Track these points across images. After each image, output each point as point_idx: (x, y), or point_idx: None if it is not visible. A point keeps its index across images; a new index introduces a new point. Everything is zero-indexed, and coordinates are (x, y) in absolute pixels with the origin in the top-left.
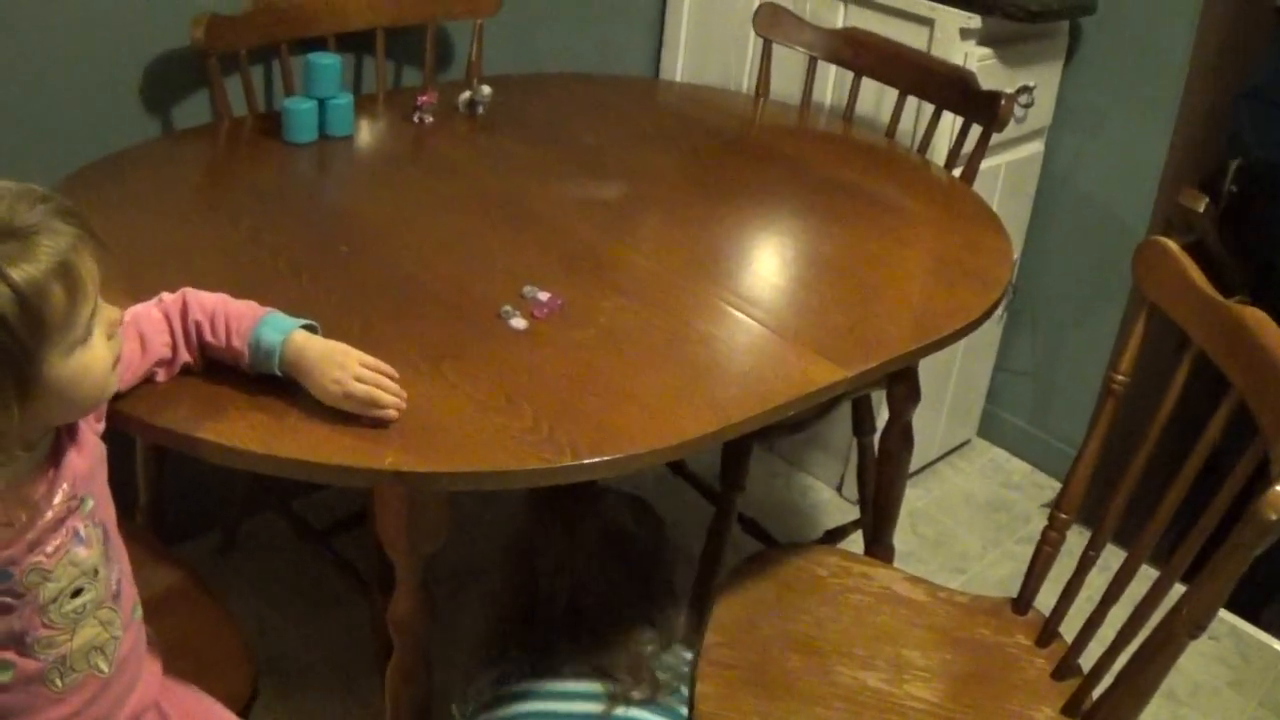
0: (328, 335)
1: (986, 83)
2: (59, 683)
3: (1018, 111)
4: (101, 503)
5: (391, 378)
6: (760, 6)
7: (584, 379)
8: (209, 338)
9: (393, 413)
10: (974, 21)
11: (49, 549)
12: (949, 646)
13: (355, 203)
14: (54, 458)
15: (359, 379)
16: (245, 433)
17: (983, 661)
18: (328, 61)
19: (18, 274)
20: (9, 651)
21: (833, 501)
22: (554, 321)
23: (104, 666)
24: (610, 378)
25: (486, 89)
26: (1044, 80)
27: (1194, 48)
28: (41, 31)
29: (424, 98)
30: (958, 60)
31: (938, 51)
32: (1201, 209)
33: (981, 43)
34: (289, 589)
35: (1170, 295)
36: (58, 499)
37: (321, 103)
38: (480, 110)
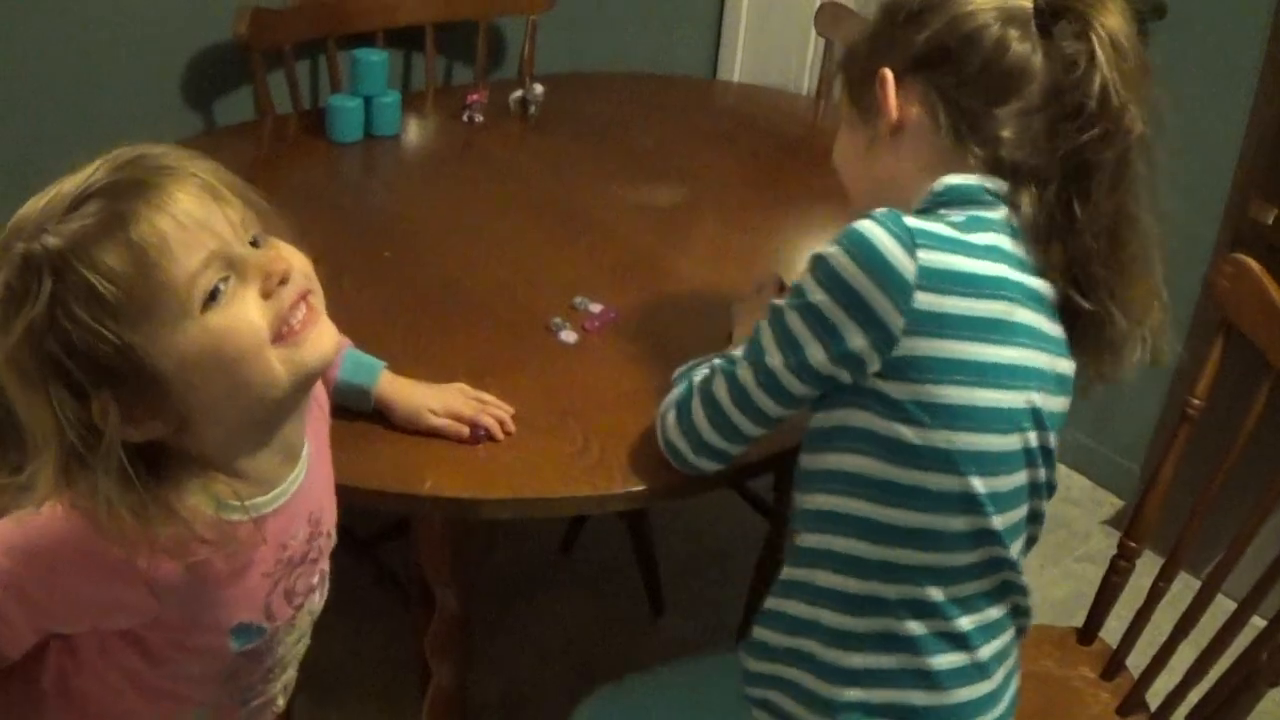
0: (367, 346)
1: None
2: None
3: None
4: (332, 514)
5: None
6: (822, 5)
7: (636, 397)
8: None
9: (498, 431)
10: None
11: (299, 600)
12: None
13: (401, 205)
14: (308, 486)
15: (465, 400)
16: None
17: (1046, 695)
18: (375, 58)
19: (61, 258)
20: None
21: None
22: (606, 335)
23: (281, 702)
24: (665, 397)
25: (539, 88)
26: None
27: (1266, 54)
28: (82, 25)
29: (474, 96)
30: None
31: None
32: (1271, 220)
33: None
34: (330, 597)
35: (1250, 316)
36: (320, 545)
37: (368, 100)
38: (532, 110)
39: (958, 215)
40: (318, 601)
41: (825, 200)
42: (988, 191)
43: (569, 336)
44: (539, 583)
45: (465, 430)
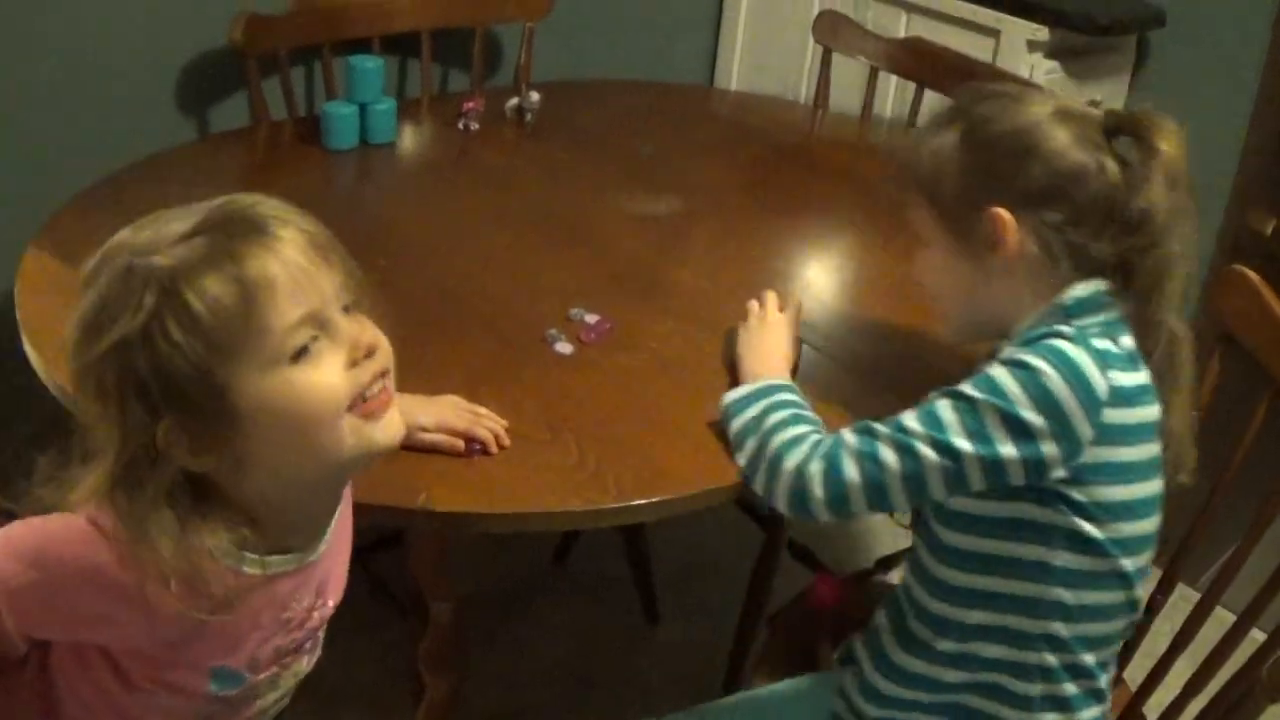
0: None
1: None
2: None
3: None
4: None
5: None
6: (820, 14)
7: (634, 410)
8: None
9: (493, 443)
10: (1041, 34)
11: (287, 660)
12: None
13: (395, 213)
14: (325, 558)
15: (458, 413)
16: None
17: None
18: (370, 64)
19: (168, 279)
20: None
21: (885, 527)
22: (602, 346)
23: None
24: (662, 409)
25: (535, 95)
26: (1110, 95)
27: (1265, 65)
28: (76, 31)
29: (470, 104)
30: (1023, 73)
31: (1003, 63)
32: (1270, 230)
33: (1048, 55)
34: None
35: (1250, 328)
36: (319, 615)
37: (363, 107)
38: (529, 117)
39: (1094, 325)
40: (305, 664)
41: (822, 209)
42: (1105, 294)
43: (565, 348)
44: (534, 592)
45: (460, 444)
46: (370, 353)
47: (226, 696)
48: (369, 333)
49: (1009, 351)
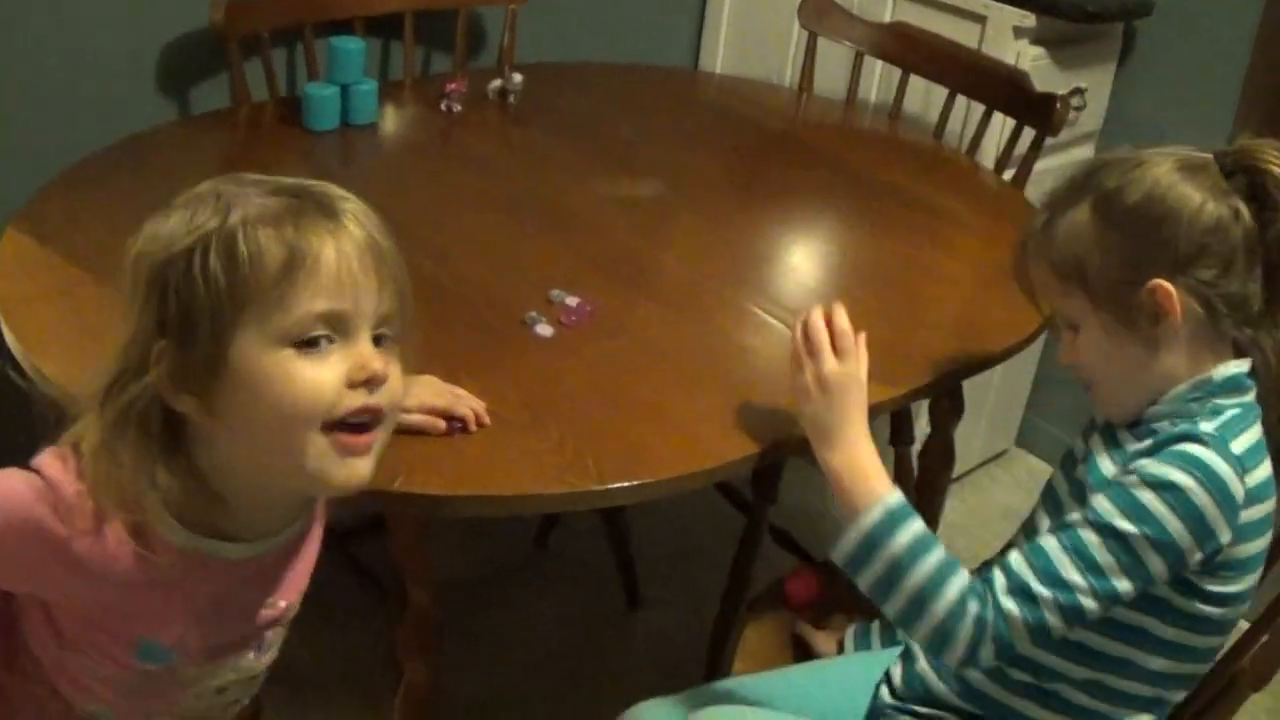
0: None
1: (1039, 84)
2: None
3: (1070, 115)
4: (301, 594)
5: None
6: None
7: (614, 394)
8: None
9: (474, 421)
10: (1028, 20)
11: (223, 653)
12: None
13: (376, 196)
14: (285, 562)
15: (437, 393)
16: None
17: None
18: (352, 46)
19: (235, 216)
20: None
21: None
22: (583, 330)
23: None
24: (642, 393)
25: (518, 77)
26: (1096, 83)
27: (1252, 53)
28: (57, 13)
29: (453, 86)
30: (1009, 59)
31: (989, 49)
32: None
33: (1034, 42)
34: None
35: None
36: (266, 613)
37: (345, 89)
38: (511, 100)
39: (1233, 407)
40: (254, 662)
41: (807, 194)
42: (1248, 376)
43: (545, 330)
44: (514, 578)
45: (441, 425)
46: (373, 384)
47: (152, 671)
48: (383, 366)
49: (1149, 466)
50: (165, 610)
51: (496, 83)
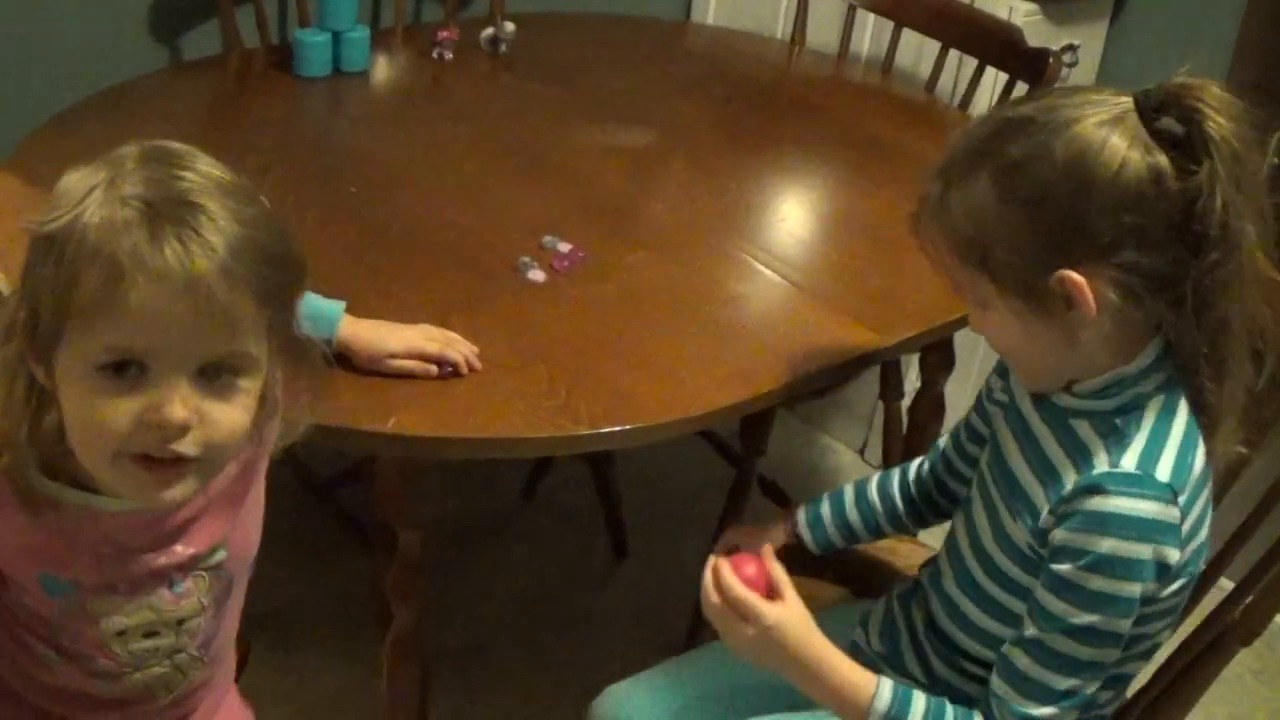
0: (331, 282)
1: (1031, 39)
2: (102, 693)
3: (1062, 71)
4: (240, 552)
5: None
6: None
7: (604, 339)
8: None
9: (464, 366)
10: None
11: (133, 589)
12: None
13: (367, 142)
14: (184, 514)
15: (429, 338)
16: None
17: None
18: None
19: (87, 214)
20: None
21: (854, 465)
22: (574, 275)
23: (162, 696)
24: (632, 339)
25: (510, 26)
26: (1088, 39)
27: (1245, 11)
28: None
29: (444, 33)
30: (1002, 14)
31: (982, 4)
32: None
33: None
34: (289, 539)
35: None
36: (165, 559)
37: (336, 35)
38: (503, 48)
39: (1154, 395)
40: (174, 605)
41: (795, 145)
42: (1164, 352)
43: (537, 275)
44: (501, 526)
45: (433, 370)
46: (171, 431)
47: (68, 609)
48: (185, 414)
49: (1078, 542)
50: (56, 546)
51: (488, 31)
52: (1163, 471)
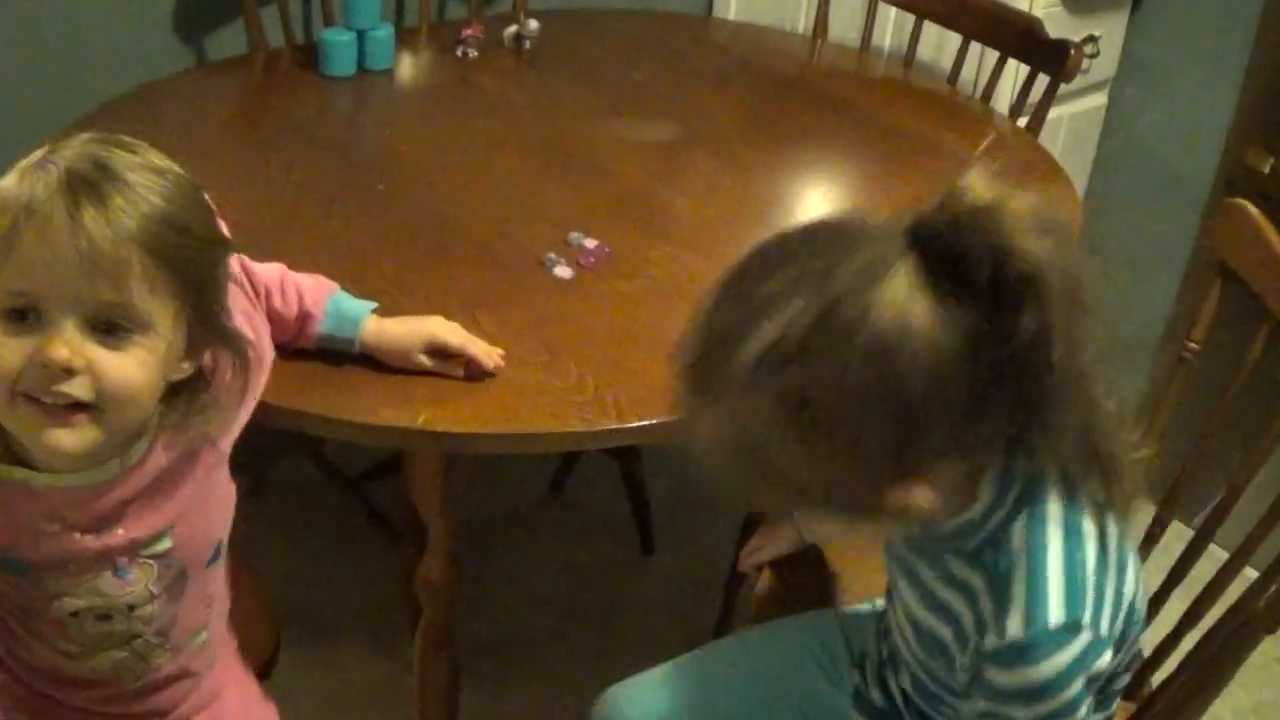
0: (358, 280)
1: (1051, 30)
2: (73, 672)
3: (1083, 62)
4: (189, 544)
5: None
6: None
7: (632, 334)
8: (277, 305)
9: (487, 361)
10: None
11: (79, 569)
12: None
13: (393, 140)
14: (120, 496)
15: (451, 330)
16: (268, 387)
17: None
18: None
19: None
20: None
21: None
22: (600, 271)
23: (129, 680)
24: (660, 333)
25: (534, 23)
26: (1109, 30)
27: (1266, 3)
28: None
29: (468, 31)
30: (1022, 6)
31: None
32: (1267, 169)
33: None
34: (319, 536)
35: (1248, 260)
36: (105, 541)
37: (361, 34)
38: (527, 45)
39: (1017, 518)
40: (120, 590)
41: (820, 140)
42: (1004, 484)
43: (563, 272)
44: (529, 521)
45: (459, 371)
46: (55, 371)
47: (19, 583)
48: (68, 355)
49: (1010, 709)
50: (2, 522)
51: (512, 28)
52: (1054, 614)
